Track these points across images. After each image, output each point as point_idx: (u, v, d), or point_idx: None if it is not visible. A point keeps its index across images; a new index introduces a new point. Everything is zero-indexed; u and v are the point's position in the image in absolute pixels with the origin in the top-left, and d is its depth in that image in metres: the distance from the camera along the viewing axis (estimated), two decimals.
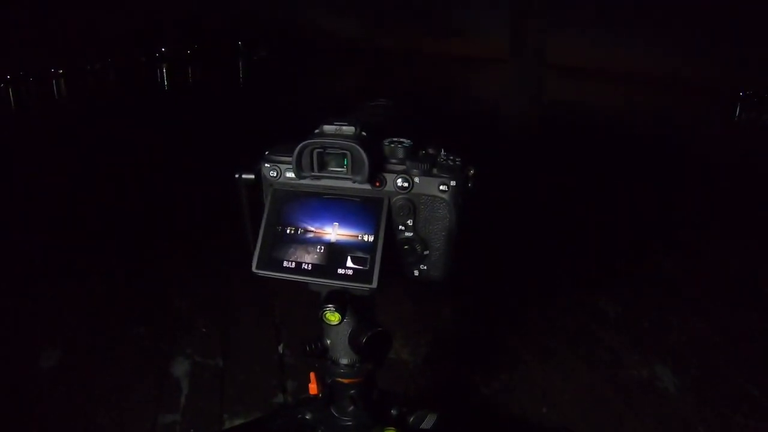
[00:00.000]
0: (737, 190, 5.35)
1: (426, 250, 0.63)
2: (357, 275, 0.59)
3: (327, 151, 0.60)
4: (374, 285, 0.58)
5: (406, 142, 0.62)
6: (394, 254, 0.63)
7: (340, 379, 0.76)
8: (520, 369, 1.94)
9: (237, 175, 0.66)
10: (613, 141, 7.91)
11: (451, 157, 0.61)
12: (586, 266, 2.97)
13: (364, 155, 0.58)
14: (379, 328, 0.71)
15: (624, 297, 2.52)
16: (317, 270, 0.60)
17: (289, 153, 0.62)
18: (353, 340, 0.72)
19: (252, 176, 0.66)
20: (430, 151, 0.63)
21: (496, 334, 2.19)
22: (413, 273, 0.65)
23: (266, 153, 0.66)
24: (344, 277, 0.59)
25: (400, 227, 0.62)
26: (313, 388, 0.82)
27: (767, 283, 2.83)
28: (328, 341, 0.74)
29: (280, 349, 2.00)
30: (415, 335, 2.09)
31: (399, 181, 0.60)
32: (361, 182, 0.60)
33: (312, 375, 0.82)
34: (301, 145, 0.60)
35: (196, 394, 1.75)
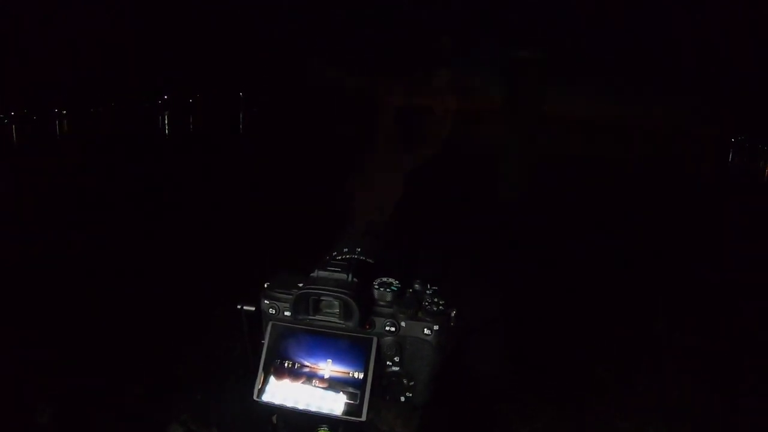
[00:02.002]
0: (733, 237, 5.38)
1: (411, 381, 0.69)
2: (348, 409, 0.64)
3: (321, 298, 0.67)
4: (363, 419, 0.64)
5: (394, 284, 0.69)
6: (381, 384, 0.69)
7: None
8: None
9: (239, 306, 0.73)
10: (612, 192, 8.01)
11: (436, 299, 0.68)
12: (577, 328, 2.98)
13: (355, 306, 0.64)
14: None
15: (616, 358, 2.54)
16: (312, 403, 0.65)
17: (287, 290, 0.69)
18: None
19: (252, 308, 0.72)
20: (417, 287, 0.70)
21: (487, 401, 2.20)
22: (400, 399, 0.70)
23: (266, 286, 0.72)
24: (337, 410, 0.65)
25: (388, 362, 0.68)
26: None
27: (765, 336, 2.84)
28: None
29: (274, 419, 2.00)
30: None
31: (387, 325, 0.66)
32: (352, 327, 0.66)
33: None
34: (297, 294, 0.67)
35: None
